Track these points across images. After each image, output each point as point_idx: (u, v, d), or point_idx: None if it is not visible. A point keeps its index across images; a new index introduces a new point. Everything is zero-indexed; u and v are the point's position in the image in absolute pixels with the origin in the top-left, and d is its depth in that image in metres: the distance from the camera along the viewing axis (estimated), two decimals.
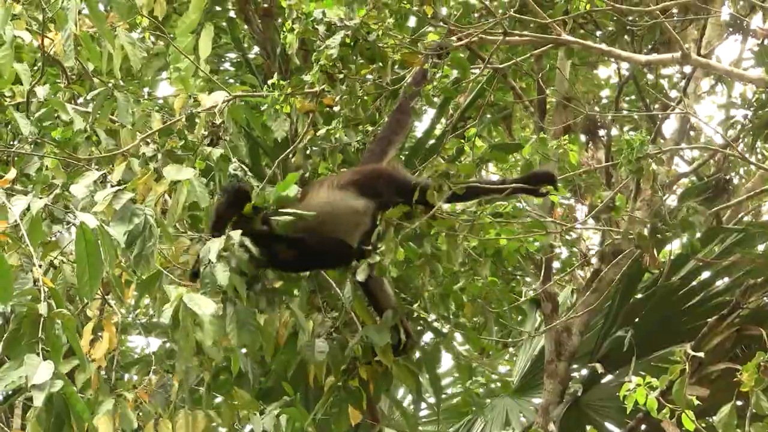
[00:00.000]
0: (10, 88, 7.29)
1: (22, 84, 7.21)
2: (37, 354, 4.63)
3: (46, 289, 4.87)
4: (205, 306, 5.79)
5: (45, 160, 7.01)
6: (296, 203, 6.69)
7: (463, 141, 7.21)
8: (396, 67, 6.97)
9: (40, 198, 5.30)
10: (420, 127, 10.78)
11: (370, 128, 7.29)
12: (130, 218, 5.75)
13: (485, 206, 6.92)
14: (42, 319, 4.76)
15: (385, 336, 6.88)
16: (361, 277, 6.58)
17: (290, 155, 7.50)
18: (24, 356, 4.60)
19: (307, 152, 7.47)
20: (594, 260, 10.50)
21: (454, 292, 7.12)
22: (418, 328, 8.14)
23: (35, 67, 7.63)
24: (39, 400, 4.46)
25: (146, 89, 9.19)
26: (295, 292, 7.21)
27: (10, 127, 7.30)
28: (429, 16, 6.81)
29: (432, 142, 9.83)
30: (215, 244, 6.15)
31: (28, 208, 5.23)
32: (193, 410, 6.35)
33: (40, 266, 5.00)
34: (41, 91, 7.20)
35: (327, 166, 7.44)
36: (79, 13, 7.22)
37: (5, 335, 4.88)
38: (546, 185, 6.84)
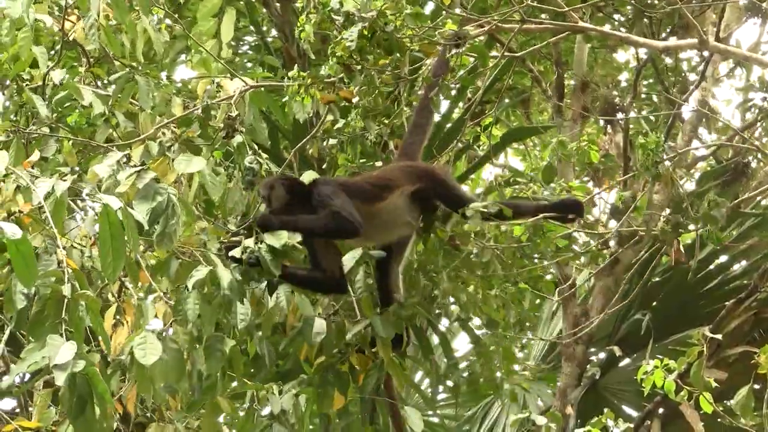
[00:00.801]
0: (28, 71, 7.30)
1: (38, 67, 7.23)
2: (60, 335, 4.65)
3: (70, 271, 4.88)
4: (151, 352, 5.65)
5: (61, 144, 7.03)
6: (376, 203, 6.81)
7: (479, 129, 7.26)
8: (414, 57, 6.98)
9: (63, 180, 5.30)
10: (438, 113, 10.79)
11: (386, 120, 7.32)
12: (153, 196, 5.77)
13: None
14: (66, 301, 4.77)
15: (391, 330, 6.92)
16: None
17: (308, 145, 7.53)
18: (46, 338, 4.61)
19: (325, 144, 7.49)
20: (612, 243, 10.49)
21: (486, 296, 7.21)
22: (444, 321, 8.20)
23: (52, 51, 7.65)
24: (61, 379, 4.46)
25: (164, 72, 9.20)
26: None
27: (25, 108, 7.30)
28: (446, 5, 6.81)
29: (449, 126, 9.83)
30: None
31: (53, 191, 5.25)
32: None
33: (63, 248, 5.01)
34: (57, 75, 7.21)
35: (346, 157, 7.47)
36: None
37: (29, 316, 4.89)
38: (574, 214, 7.10)
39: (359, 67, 6.79)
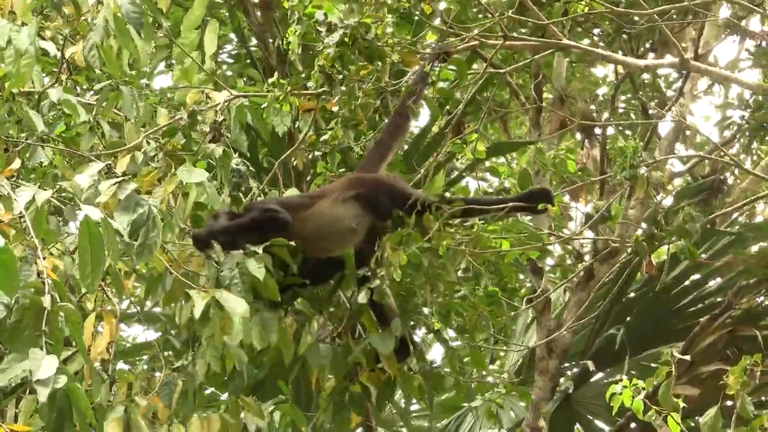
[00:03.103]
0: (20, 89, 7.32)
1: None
2: (41, 347, 4.64)
3: (50, 282, 4.88)
4: (237, 305, 5.88)
5: (49, 154, 7.03)
6: (303, 211, 6.80)
7: (459, 141, 7.28)
8: (395, 66, 7.00)
9: (45, 189, 5.30)
10: (417, 125, 10.81)
11: (366, 131, 7.33)
12: (134, 208, 5.78)
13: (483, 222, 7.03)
14: (45, 312, 4.77)
15: (390, 344, 6.92)
16: (361, 299, 6.73)
17: (292, 157, 7.55)
18: (26, 349, 4.59)
19: (310, 156, 7.51)
20: (587, 257, 10.54)
21: (456, 303, 7.18)
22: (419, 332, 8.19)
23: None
24: (43, 395, 4.43)
25: (144, 80, 9.21)
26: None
27: (16, 121, 7.30)
28: (428, 14, 6.83)
29: (429, 140, 9.85)
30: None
31: (33, 200, 5.24)
32: (204, 412, 6.39)
33: (44, 258, 5.00)
34: (55, 94, 7.22)
35: (325, 165, 7.48)
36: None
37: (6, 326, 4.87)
38: (543, 203, 7.00)
39: (340, 77, 6.81)
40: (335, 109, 7.08)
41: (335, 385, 7.09)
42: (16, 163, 6.28)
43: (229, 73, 11.61)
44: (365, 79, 6.89)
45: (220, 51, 12.03)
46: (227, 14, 11.48)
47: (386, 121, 7.20)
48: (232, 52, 12.12)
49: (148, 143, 6.90)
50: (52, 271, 5.03)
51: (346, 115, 7.06)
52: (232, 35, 11.96)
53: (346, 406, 7.07)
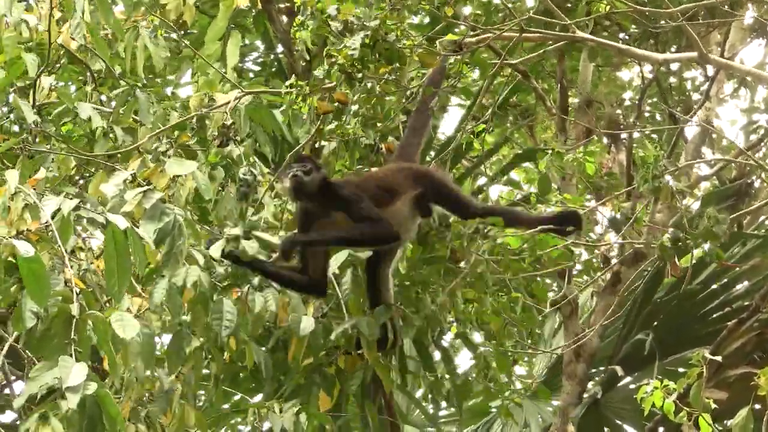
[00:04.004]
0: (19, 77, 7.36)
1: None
2: (70, 355, 4.67)
3: (78, 290, 4.91)
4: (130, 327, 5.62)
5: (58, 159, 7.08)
6: (384, 208, 6.79)
7: (472, 136, 7.32)
8: (415, 67, 7.01)
9: (70, 198, 5.33)
10: (448, 127, 10.86)
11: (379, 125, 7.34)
12: (160, 217, 5.79)
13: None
14: (74, 321, 4.80)
15: (374, 330, 6.94)
16: (346, 281, 6.92)
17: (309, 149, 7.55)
18: (55, 356, 4.63)
19: (321, 147, 7.50)
20: (614, 262, 10.51)
21: (482, 310, 7.21)
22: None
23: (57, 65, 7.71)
24: (73, 402, 4.48)
25: (170, 89, 9.24)
26: None
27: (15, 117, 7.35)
28: (449, 15, 6.84)
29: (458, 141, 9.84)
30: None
31: (59, 209, 5.28)
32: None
33: (71, 267, 5.04)
34: (47, 81, 7.26)
35: (344, 163, 7.49)
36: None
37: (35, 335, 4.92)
38: (572, 226, 7.10)
39: (360, 76, 6.82)
40: (354, 107, 7.07)
41: (311, 362, 7.07)
42: (41, 173, 6.32)
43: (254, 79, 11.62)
44: (385, 78, 6.89)
45: (246, 59, 12.06)
46: (252, 22, 11.51)
47: (415, 108, 7.25)
48: (258, 60, 12.14)
49: (159, 140, 6.94)
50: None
51: (365, 114, 7.07)
52: (258, 42, 11.98)
53: (317, 384, 7.07)
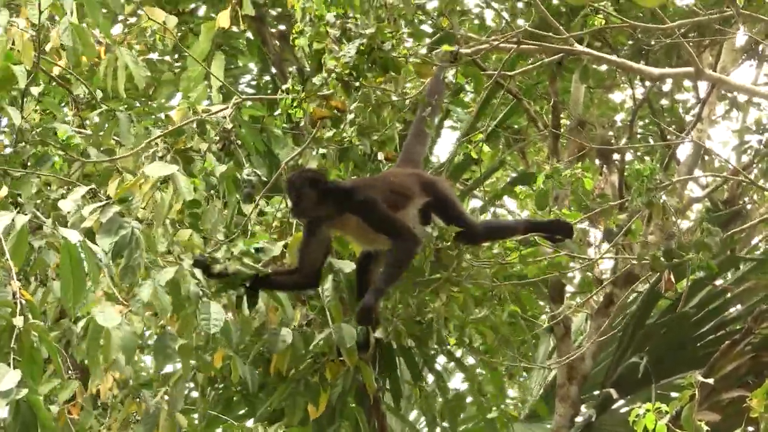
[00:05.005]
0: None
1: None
2: (8, 364, 4.68)
3: (24, 302, 4.93)
4: (111, 318, 5.69)
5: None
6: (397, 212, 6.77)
7: (469, 146, 7.33)
8: (411, 77, 7.01)
9: (25, 214, 5.32)
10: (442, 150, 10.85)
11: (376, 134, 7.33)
12: (117, 230, 5.82)
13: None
14: (17, 331, 4.81)
15: (352, 336, 6.92)
16: (327, 289, 6.84)
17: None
18: None
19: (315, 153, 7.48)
20: (606, 281, 10.51)
21: (476, 323, 7.19)
22: (431, 352, 8.17)
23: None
24: (3, 406, 4.50)
25: (162, 114, 9.23)
26: None
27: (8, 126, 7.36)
28: (445, 27, 6.85)
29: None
30: None
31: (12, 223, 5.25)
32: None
33: (18, 280, 5.05)
34: (35, 91, 7.27)
35: (338, 172, 7.47)
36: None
37: None
38: (562, 234, 7.13)
39: (357, 84, 6.80)
40: (351, 116, 7.05)
41: (293, 372, 7.06)
42: (3, 191, 6.35)
43: (248, 103, 11.62)
44: (380, 87, 6.88)
45: (239, 81, 12.05)
46: (246, 45, 11.52)
47: (418, 113, 7.19)
48: (251, 83, 12.13)
49: (157, 144, 6.94)
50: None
51: (361, 123, 7.05)
52: (252, 65, 11.98)
53: (301, 393, 7.05)
